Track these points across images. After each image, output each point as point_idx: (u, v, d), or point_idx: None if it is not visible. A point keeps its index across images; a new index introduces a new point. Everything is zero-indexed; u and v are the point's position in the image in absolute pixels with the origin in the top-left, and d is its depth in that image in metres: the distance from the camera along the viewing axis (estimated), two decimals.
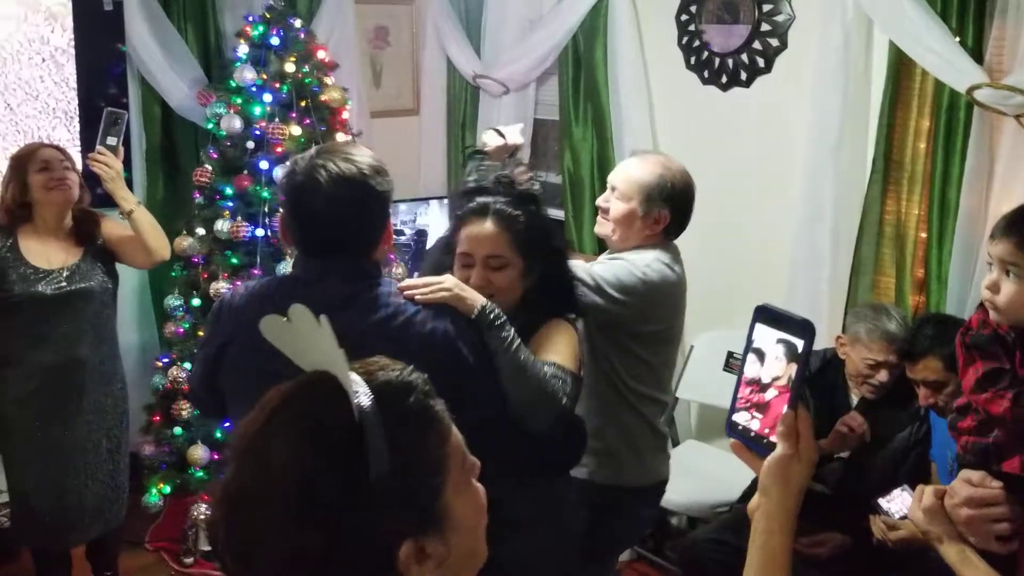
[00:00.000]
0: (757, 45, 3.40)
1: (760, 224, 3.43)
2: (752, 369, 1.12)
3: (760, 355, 1.11)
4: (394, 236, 4.17)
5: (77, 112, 3.85)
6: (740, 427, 1.14)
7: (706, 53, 3.56)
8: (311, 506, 0.84)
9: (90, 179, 3.01)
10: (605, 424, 2.35)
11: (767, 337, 1.10)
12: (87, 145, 3.81)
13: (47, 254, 2.85)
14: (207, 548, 3.59)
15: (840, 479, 2.78)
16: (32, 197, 2.83)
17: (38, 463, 2.91)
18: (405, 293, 1.79)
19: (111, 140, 2.71)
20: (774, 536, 1.11)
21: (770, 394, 1.10)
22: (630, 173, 2.37)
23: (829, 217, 3.14)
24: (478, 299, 1.84)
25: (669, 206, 2.32)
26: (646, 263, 2.29)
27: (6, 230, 2.86)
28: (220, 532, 0.90)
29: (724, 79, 3.51)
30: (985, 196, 2.80)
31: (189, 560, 3.60)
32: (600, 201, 2.47)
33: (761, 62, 3.40)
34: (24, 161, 2.84)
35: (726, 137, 3.51)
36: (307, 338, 0.90)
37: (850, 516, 2.64)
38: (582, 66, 3.96)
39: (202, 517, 3.59)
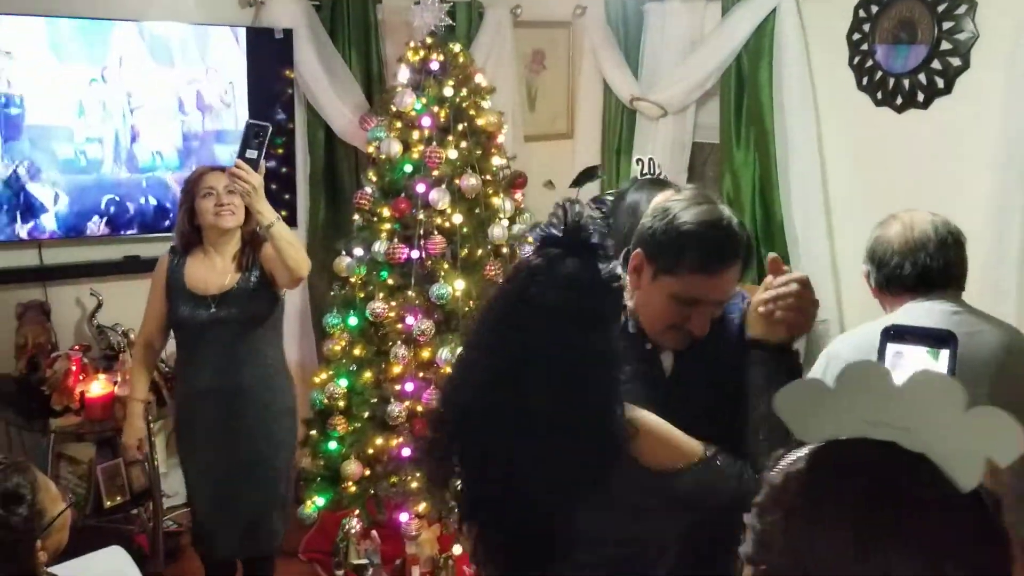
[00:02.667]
0: (936, 65, 3.20)
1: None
2: None
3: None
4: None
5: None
6: None
7: (879, 73, 3.38)
8: None
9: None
10: None
11: (902, 355, 1.12)
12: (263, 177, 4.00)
13: (206, 279, 2.90)
14: (357, 561, 3.66)
15: None
16: (199, 222, 2.90)
17: (197, 479, 3.04)
18: None
19: (251, 153, 2.63)
20: None
21: None
22: None
23: (1016, 252, 2.90)
24: None
25: (869, 264, 2.14)
26: None
27: (179, 253, 2.95)
28: None
29: (899, 100, 3.32)
30: None
31: (339, 572, 3.67)
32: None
33: (940, 83, 3.20)
34: (192, 186, 2.91)
35: (900, 162, 3.32)
36: None
37: None
38: (746, 87, 3.84)
39: (353, 531, 3.66)
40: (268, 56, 4.03)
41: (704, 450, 1.54)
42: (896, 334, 1.13)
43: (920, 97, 3.25)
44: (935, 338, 1.12)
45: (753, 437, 1.58)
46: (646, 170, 3.25)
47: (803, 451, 0.91)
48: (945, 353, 1.11)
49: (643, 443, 1.49)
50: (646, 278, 1.69)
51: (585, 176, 1.87)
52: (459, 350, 1.73)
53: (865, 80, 3.43)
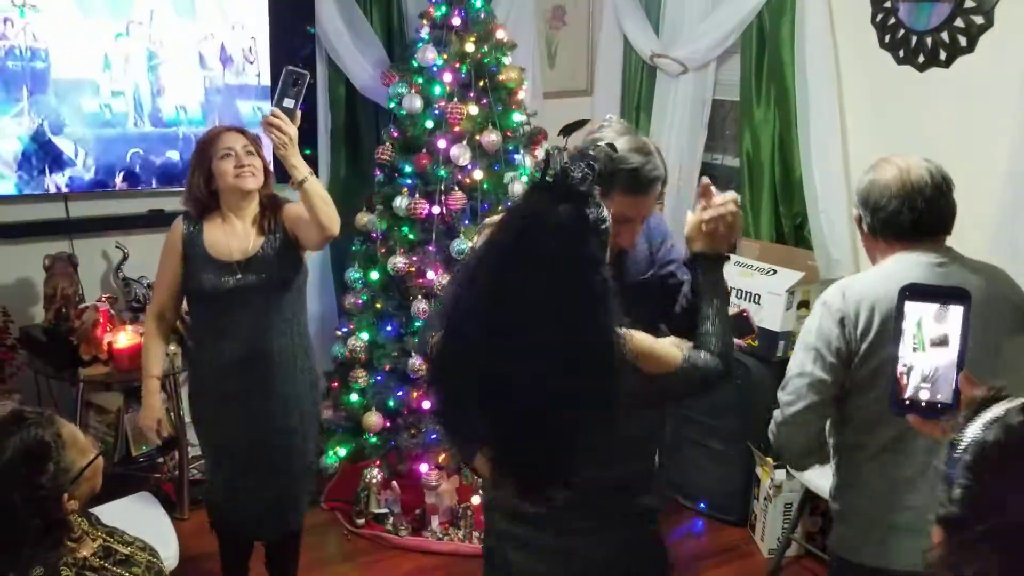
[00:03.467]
0: (959, 23, 3.18)
1: (957, 216, 3.21)
2: (908, 346, 1.17)
3: (913, 331, 1.18)
4: None
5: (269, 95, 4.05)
6: (909, 402, 1.18)
7: (902, 31, 3.36)
8: None
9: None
10: None
11: (920, 312, 1.17)
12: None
13: (229, 244, 2.73)
14: (378, 511, 3.75)
15: None
16: (216, 185, 2.72)
17: (218, 455, 2.91)
18: None
19: (288, 102, 2.46)
20: None
21: (933, 363, 1.16)
22: None
23: None
24: None
25: (862, 208, 2.08)
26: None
27: (194, 219, 2.77)
28: None
29: (921, 59, 3.31)
30: None
31: (360, 521, 3.76)
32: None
33: (963, 41, 3.18)
34: (207, 147, 2.72)
35: (922, 121, 3.30)
36: None
37: None
38: (767, 45, 3.82)
39: (374, 481, 3.74)
40: (290, 12, 4.03)
41: (681, 350, 1.81)
42: (912, 293, 1.18)
43: (942, 55, 3.23)
44: (950, 295, 1.17)
45: (703, 329, 1.86)
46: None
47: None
48: (959, 310, 1.16)
49: (639, 355, 1.72)
50: None
51: (575, 126, 1.92)
52: (448, 296, 1.91)
53: (887, 38, 3.41)
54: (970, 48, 3.17)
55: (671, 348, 1.83)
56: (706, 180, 1.91)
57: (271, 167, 2.82)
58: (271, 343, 2.76)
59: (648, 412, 1.88)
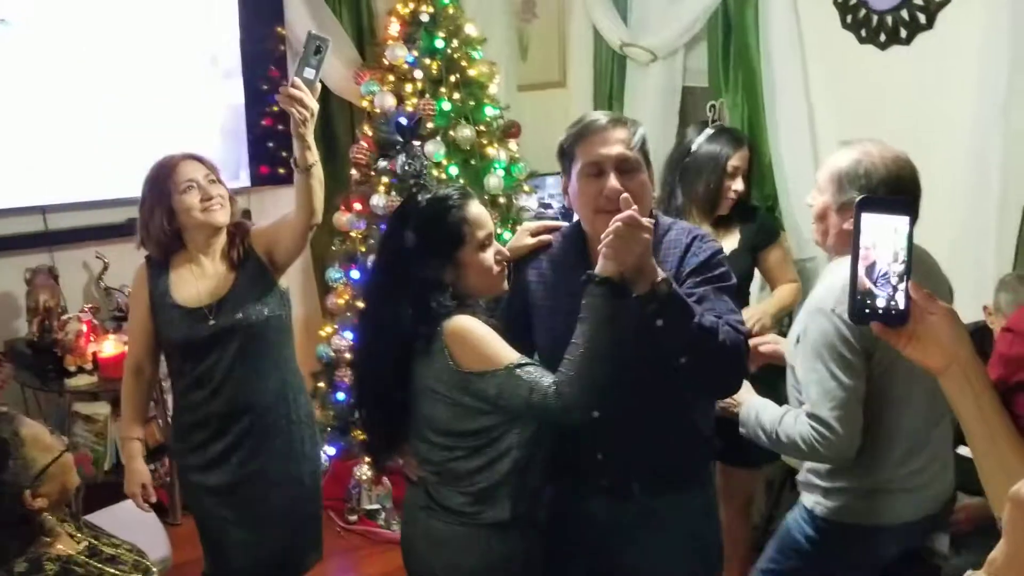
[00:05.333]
0: (918, 0, 3.23)
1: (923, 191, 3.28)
2: (865, 257, 1.23)
3: (869, 243, 1.22)
4: (541, 209, 4.26)
5: (243, 100, 4.07)
6: (868, 311, 1.23)
7: (863, 10, 3.40)
8: None
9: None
10: None
11: (874, 225, 1.22)
12: (254, 133, 4.05)
13: (198, 287, 2.44)
14: (369, 507, 3.79)
15: None
16: (180, 222, 2.42)
17: (218, 530, 2.58)
18: None
19: (308, 72, 2.18)
20: (985, 392, 1.21)
21: (889, 272, 1.22)
22: (828, 163, 2.14)
23: (996, 181, 2.97)
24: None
25: (863, 196, 2.08)
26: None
27: (159, 264, 2.48)
28: None
29: (883, 37, 3.35)
30: None
31: (353, 518, 3.81)
32: (807, 199, 2.21)
33: (922, 18, 3.23)
34: (164, 181, 2.41)
35: (885, 99, 3.36)
36: None
37: None
38: (732, 30, 3.87)
39: (364, 478, 3.78)
40: (259, 14, 4.06)
41: (515, 361, 1.84)
42: (868, 205, 1.23)
43: (903, 33, 3.28)
44: (898, 205, 1.23)
45: (566, 352, 1.81)
46: (716, 118, 3.29)
47: None
48: (906, 220, 1.22)
49: (452, 344, 1.85)
50: (570, 186, 1.98)
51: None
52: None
53: (849, 18, 3.46)
54: (929, 25, 3.22)
55: (502, 349, 1.85)
56: (625, 196, 1.79)
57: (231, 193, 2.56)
58: (264, 391, 2.49)
59: (473, 407, 1.87)
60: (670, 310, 1.77)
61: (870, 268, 1.22)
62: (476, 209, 1.96)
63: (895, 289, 1.22)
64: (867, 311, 1.23)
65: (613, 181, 1.88)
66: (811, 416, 2.03)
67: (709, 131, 2.93)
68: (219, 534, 2.58)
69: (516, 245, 2.13)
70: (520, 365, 1.83)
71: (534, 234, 2.14)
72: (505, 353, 1.85)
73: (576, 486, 2.07)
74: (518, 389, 1.81)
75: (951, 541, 2.79)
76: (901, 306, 1.22)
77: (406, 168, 3.61)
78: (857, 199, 1.24)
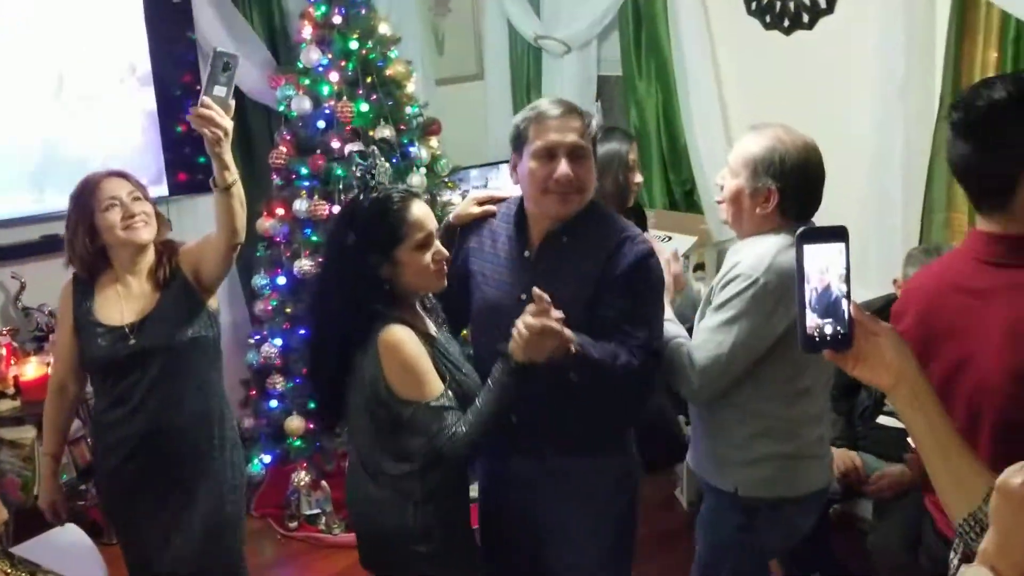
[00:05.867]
0: None
1: (829, 170, 3.38)
2: (809, 288, 1.24)
3: (812, 273, 1.23)
4: None
5: (156, 108, 4.00)
6: (817, 339, 1.25)
7: None
8: None
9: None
10: None
11: (814, 255, 1.23)
12: (169, 140, 3.99)
13: (122, 306, 2.41)
14: (309, 512, 3.78)
15: None
16: (104, 241, 2.39)
17: (137, 554, 2.56)
18: None
19: (219, 90, 2.12)
20: (933, 407, 1.24)
21: (832, 299, 1.23)
22: (740, 147, 2.18)
23: (899, 158, 3.09)
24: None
25: (778, 183, 2.09)
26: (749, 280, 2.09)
27: (84, 282, 2.45)
28: None
29: (786, 22, 3.46)
30: None
31: (293, 524, 3.79)
32: (717, 179, 2.28)
33: (823, 3, 3.34)
34: (87, 199, 2.38)
35: (791, 82, 3.47)
36: None
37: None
38: (643, 20, 3.94)
39: (302, 484, 3.78)
40: (168, 23, 3.99)
41: (436, 397, 1.93)
42: (807, 236, 1.24)
43: (805, 18, 3.39)
44: (834, 233, 1.25)
45: (469, 412, 1.95)
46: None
47: None
48: (842, 246, 1.24)
49: (384, 357, 1.93)
50: (521, 164, 2.09)
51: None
52: None
53: (754, 5, 3.56)
54: (830, 9, 3.34)
55: (429, 380, 1.94)
56: (537, 292, 1.86)
57: (160, 209, 2.54)
58: (181, 415, 2.44)
59: (385, 419, 1.97)
60: (580, 370, 1.93)
61: (815, 297, 1.23)
62: (418, 210, 2.01)
63: (839, 314, 1.24)
64: (817, 340, 1.25)
65: (564, 167, 2.00)
66: (693, 350, 2.12)
67: (598, 133, 3.00)
68: (140, 560, 2.56)
69: (462, 212, 2.28)
70: (439, 405, 1.94)
71: (480, 203, 2.27)
72: (431, 386, 1.94)
73: (500, 446, 2.16)
74: (429, 424, 1.93)
75: (874, 508, 2.92)
76: (844, 330, 1.24)
77: (358, 164, 3.61)
78: (797, 232, 1.24)
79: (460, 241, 2.25)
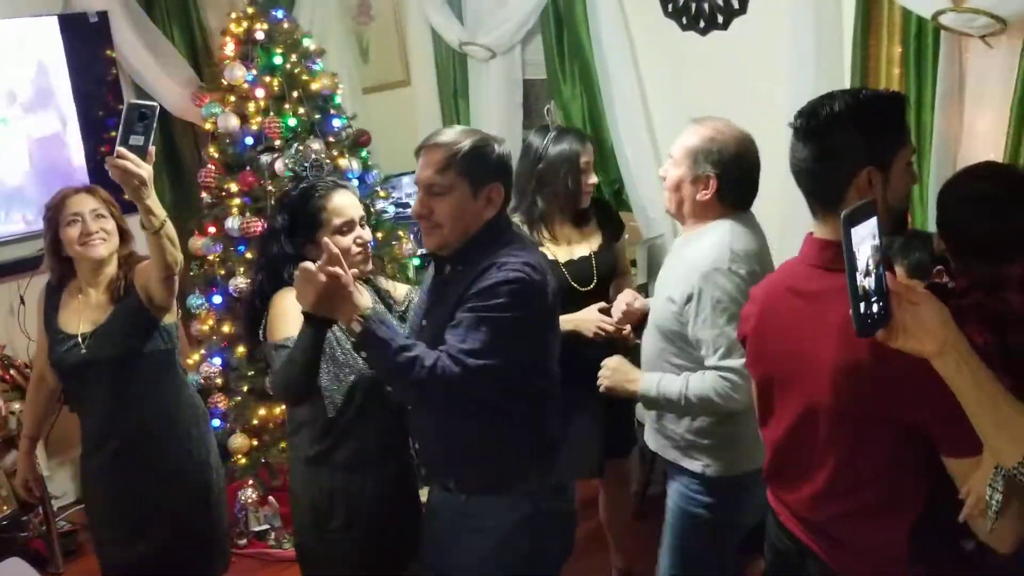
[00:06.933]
0: None
1: None
2: (859, 273, 1.23)
3: (860, 256, 1.23)
4: (400, 209, 4.31)
5: (79, 128, 3.95)
6: (870, 320, 1.23)
7: None
8: None
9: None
10: None
11: (859, 236, 1.23)
12: (93, 160, 3.94)
13: (79, 315, 2.56)
14: (258, 528, 3.78)
15: None
16: (68, 252, 2.56)
17: (110, 558, 2.73)
18: None
19: (135, 139, 2.17)
20: (978, 366, 1.26)
21: (876, 277, 1.23)
22: (682, 139, 2.30)
23: None
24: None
25: (716, 170, 2.21)
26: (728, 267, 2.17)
27: (54, 287, 2.64)
28: None
29: (702, 23, 3.55)
30: (959, 117, 2.87)
31: (242, 542, 3.79)
32: (660, 171, 2.38)
33: (736, 3, 3.44)
34: (55, 213, 2.55)
35: (710, 81, 3.56)
36: None
37: None
38: (564, 25, 4.00)
39: (250, 501, 3.77)
40: (86, 42, 3.93)
41: (280, 341, 2.16)
42: (851, 219, 1.22)
43: (720, 19, 3.49)
44: (867, 211, 1.24)
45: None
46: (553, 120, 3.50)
47: None
48: (873, 221, 1.24)
49: (270, 310, 2.24)
50: None
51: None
52: None
53: (670, 7, 3.64)
54: (742, 9, 3.44)
55: (284, 325, 2.17)
56: (325, 241, 2.02)
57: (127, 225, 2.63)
58: (139, 422, 2.57)
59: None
60: (366, 345, 1.95)
61: (866, 280, 1.22)
62: (340, 199, 2.27)
63: (881, 290, 1.22)
64: (870, 321, 1.23)
65: (416, 204, 2.08)
66: (720, 369, 2.16)
67: (553, 133, 3.03)
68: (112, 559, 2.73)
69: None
70: (280, 346, 2.15)
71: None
72: (283, 330, 2.17)
73: (408, 469, 2.37)
74: (272, 363, 2.20)
75: None
76: (884, 304, 1.22)
77: (298, 158, 3.63)
78: (842, 215, 1.23)
79: None
